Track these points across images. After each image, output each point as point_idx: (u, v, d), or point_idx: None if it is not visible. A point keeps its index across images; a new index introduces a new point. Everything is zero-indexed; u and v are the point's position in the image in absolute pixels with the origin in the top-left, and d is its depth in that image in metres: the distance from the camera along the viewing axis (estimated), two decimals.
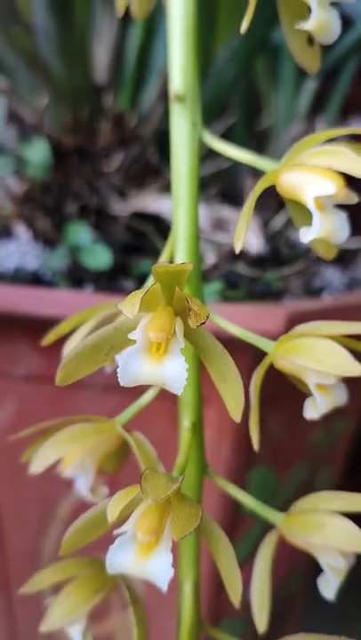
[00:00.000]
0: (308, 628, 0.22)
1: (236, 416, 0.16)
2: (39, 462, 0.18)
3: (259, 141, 0.49)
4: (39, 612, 0.40)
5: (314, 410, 0.18)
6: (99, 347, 0.16)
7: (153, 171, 0.42)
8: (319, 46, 0.20)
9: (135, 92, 0.41)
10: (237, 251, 0.17)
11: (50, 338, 0.22)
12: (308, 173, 0.16)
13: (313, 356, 0.17)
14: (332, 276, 0.44)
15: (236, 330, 0.19)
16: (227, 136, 0.47)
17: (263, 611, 0.19)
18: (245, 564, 0.39)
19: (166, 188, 0.41)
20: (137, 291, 0.15)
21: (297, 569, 0.46)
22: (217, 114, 0.44)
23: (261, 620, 0.18)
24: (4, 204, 0.43)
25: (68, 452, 0.19)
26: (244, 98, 0.46)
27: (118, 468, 0.21)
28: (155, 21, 0.42)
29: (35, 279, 0.37)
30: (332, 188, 0.16)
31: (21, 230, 0.41)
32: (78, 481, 0.20)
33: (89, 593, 0.19)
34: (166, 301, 0.15)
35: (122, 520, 0.16)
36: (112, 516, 0.14)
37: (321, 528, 0.18)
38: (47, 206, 0.42)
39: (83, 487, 0.20)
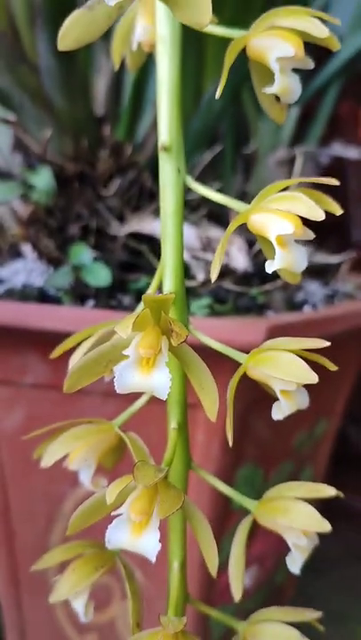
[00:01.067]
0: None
1: (212, 416, 0.19)
2: (49, 457, 0.22)
3: (247, 164, 0.52)
4: (45, 604, 0.43)
5: (279, 412, 0.21)
6: (98, 360, 0.19)
7: (148, 194, 0.45)
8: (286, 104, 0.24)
9: (131, 122, 0.44)
10: (213, 280, 0.20)
11: (57, 352, 0.25)
12: (272, 215, 0.20)
13: (277, 367, 0.20)
14: (314, 289, 0.47)
15: (215, 344, 0.22)
16: (218, 160, 0.51)
17: (238, 582, 0.22)
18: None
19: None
20: (130, 315, 0.19)
21: (283, 562, 0.49)
22: (208, 141, 0.47)
23: (237, 590, 0.22)
24: (11, 225, 0.47)
25: (74, 449, 0.22)
26: (232, 125, 0.50)
27: (116, 464, 0.24)
28: (149, 58, 0.46)
29: (41, 295, 0.40)
30: (290, 227, 0.19)
31: (28, 250, 0.44)
32: (82, 474, 0.23)
33: (91, 569, 0.22)
34: (154, 323, 0.19)
35: (118, 506, 0.20)
36: (110, 498, 0.18)
37: (287, 512, 0.21)
38: (51, 228, 0.45)
39: (85, 479, 0.23)
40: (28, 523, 0.44)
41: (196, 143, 0.44)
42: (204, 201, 0.47)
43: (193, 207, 0.46)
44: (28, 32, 0.38)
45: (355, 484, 0.84)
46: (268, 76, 0.21)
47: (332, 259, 0.49)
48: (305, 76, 0.50)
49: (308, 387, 0.39)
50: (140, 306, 0.19)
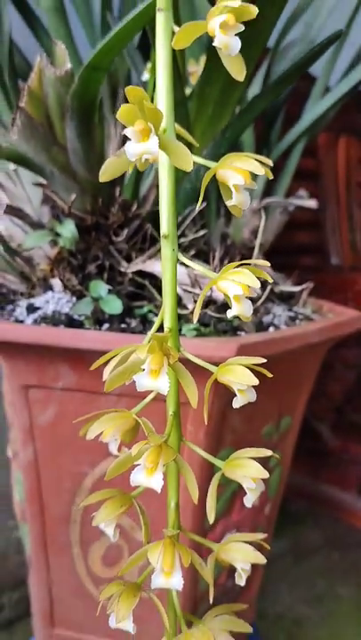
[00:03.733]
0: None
1: (194, 404, 0.31)
2: (91, 433, 0.33)
3: (227, 212, 0.64)
4: (68, 563, 0.55)
5: (237, 403, 0.33)
6: (125, 372, 0.31)
7: (149, 240, 0.57)
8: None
9: (135, 185, 0.56)
10: (195, 320, 0.32)
11: (94, 365, 0.37)
12: (229, 283, 0.32)
13: (234, 375, 0.32)
14: (280, 312, 0.59)
15: (197, 360, 0.34)
16: (205, 209, 0.63)
17: (212, 509, 0.34)
18: (221, 518, 0.54)
19: (159, 254, 0.56)
20: (144, 344, 0.31)
21: (256, 530, 0.61)
22: (197, 196, 0.59)
23: (211, 515, 0.34)
24: (43, 263, 0.59)
25: (106, 428, 0.34)
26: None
27: (132, 440, 0.36)
28: None
29: (68, 320, 0.52)
30: (240, 290, 0.31)
31: (56, 283, 0.56)
32: (110, 445, 0.35)
33: (118, 506, 0.34)
34: (159, 349, 0.30)
35: (137, 459, 0.32)
36: (134, 452, 0.30)
37: (243, 467, 0.33)
38: (73, 266, 0.56)
39: (113, 449, 0.35)
40: (56, 497, 0.55)
41: (188, 199, 0.56)
42: (193, 242, 0.59)
43: (184, 248, 0.59)
44: (59, 122, 0.50)
45: (327, 475, 0.97)
46: (229, 192, 0.33)
47: (294, 288, 0.61)
48: (275, 139, 0.63)
49: (275, 390, 0.52)
50: (151, 339, 0.31)
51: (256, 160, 0.32)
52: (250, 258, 0.61)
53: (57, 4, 0.57)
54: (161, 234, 0.34)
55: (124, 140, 0.59)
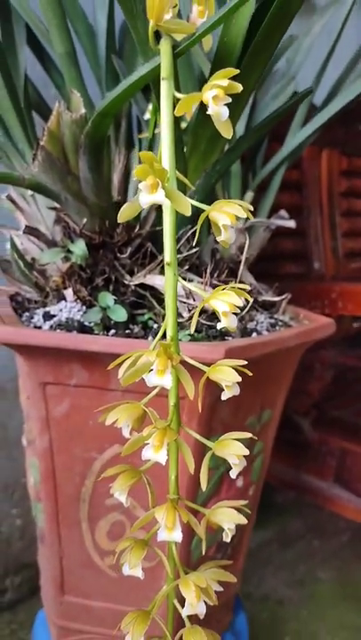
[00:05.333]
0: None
1: (191, 396, 0.40)
2: (109, 419, 0.42)
3: None
4: (77, 537, 0.64)
5: (224, 396, 0.42)
6: (137, 371, 0.40)
7: (149, 257, 0.66)
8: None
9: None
10: (192, 331, 0.41)
11: (110, 366, 0.45)
12: (218, 302, 0.40)
13: (222, 373, 0.40)
14: (262, 320, 0.68)
15: (192, 361, 0.43)
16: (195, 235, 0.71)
17: (204, 479, 0.42)
18: (209, 500, 0.63)
19: (158, 268, 0.65)
20: (152, 349, 0.39)
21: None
22: (189, 220, 0.67)
23: (204, 483, 0.42)
24: (55, 275, 0.67)
25: (120, 416, 0.42)
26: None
27: (140, 426, 0.44)
28: (152, 150, 0.66)
29: (80, 326, 0.60)
30: (226, 308, 0.40)
31: (69, 294, 0.64)
32: (123, 429, 0.43)
33: (129, 478, 0.42)
34: (164, 353, 0.39)
35: (147, 440, 0.40)
36: (145, 433, 0.38)
37: (228, 446, 0.42)
38: (83, 279, 0.65)
39: (126, 432, 0.43)
40: (68, 479, 0.63)
41: (182, 222, 0.65)
42: (186, 259, 0.67)
43: (179, 262, 0.67)
44: (73, 157, 0.58)
45: (307, 465, 1.06)
46: (219, 230, 0.42)
47: (275, 297, 0.70)
48: (260, 164, 0.72)
49: (257, 387, 0.61)
50: (158, 345, 0.39)
51: (239, 206, 0.40)
52: (237, 271, 0.70)
53: (69, 50, 0.65)
54: (165, 262, 0.42)
55: (127, 167, 0.68)
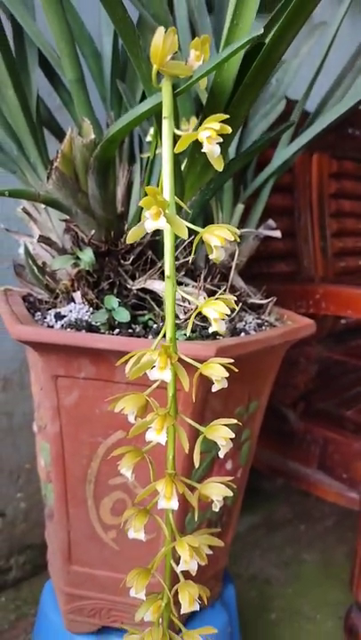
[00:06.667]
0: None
1: (186, 388, 0.48)
2: (117, 407, 0.49)
3: None
4: (83, 514, 0.72)
5: (214, 388, 0.49)
6: (141, 367, 0.47)
7: (150, 263, 0.73)
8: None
9: (139, 221, 0.72)
10: (187, 333, 0.48)
11: (119, 362, 0.52)
12: (210, 309, 0.48)
13: (212, 370, 0.48)
14: (250, 320, 0.76)
15: (187, 359, 0.50)
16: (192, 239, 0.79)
17: (197, 460, 0.50)
18: (202, 480, 0.70)
19: (157, 274, 0.73)
20: (155, 349, 0.47)
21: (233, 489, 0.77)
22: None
23: (196, 461, 0.50)
24: (65, 279, 0.74)
25: (126, 405, 0.50)
26: (202, 217, 0.78)
27: (143, 413, 0.52)
28: (152, 170, 0.74)
29: (88, 326, 0.68)
30: (217, 316, 0.47)
31: (78, 297, 0.71)
32: (129, 416, 0.51)
33: (134, 457, 0.50)
34: (165, 353, 0.46)
35: (149, 424, 0.48)
36: (148, 418, 0.46)
37: (217, 430, 0.50)
38: (90, 283, 0.72)
39: (131, 418, 0.51)
40: (76, 461, 0.71)
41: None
42: (183, 265, 0.75)
43: (176, 268, 0.74)
44: (83, 176, 0.66)
45: (292, 452, 1.14)
46: (211, 249, 0.49)
47: (263, 301, 0.78)
48: (251, 178, 0.80)
49: (244, 381, 0.69)
50: (159, 345, 0.47)
51: (228, 230, 0.48)
52: (229, 275, 0.77)
53: (78, 76, 0.73)
54: (165, 275, 0.50)
55: (130, 182, 0.75)
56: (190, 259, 0.72)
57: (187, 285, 0.73)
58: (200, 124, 0.52)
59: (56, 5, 0.70)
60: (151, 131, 0.69)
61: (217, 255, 0.48)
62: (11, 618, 1.19)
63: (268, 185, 0.84)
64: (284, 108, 0.87)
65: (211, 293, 0.73)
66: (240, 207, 0.79)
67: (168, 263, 0.49)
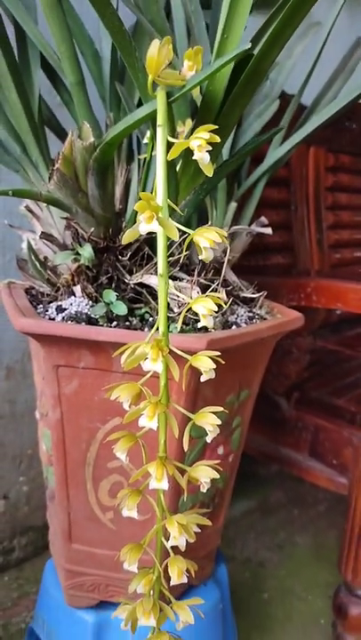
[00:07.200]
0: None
1: (177, 378, 0.52)
2: (113, 395, 0.53)
3: None
4: (82, 496, 0.76)
5: (202, 378, 0.53)
6: (136, 358, 0.51)
7: (146, 259, 0.77)
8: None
9: (135, 218, 0.76)
10: (178, 329, 0.52)
11: (115, 354, 0.56)
12: (199, 306, 0.51)
13: (200, 362, 0.52)
14: (242, 313, 0.80)
15: (178, 351, 0.54)
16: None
17: (186, 444, 0.54)
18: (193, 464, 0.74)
19: (153, 269, 0.76)
20: (148, 342, 0.51)
21: (223, 473, 0.82)
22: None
23: (185, 445, 0.54)
24: (65, 273, 0.78)
25: (121, 393, 0.54)
26: (197, 214, 0.82)
27: (137, 400, 0.56)
28: (148, 170, 0.77)
29: (87, 319, 0.72)
30: (206, 311, 0.51)
31: (77, 290, 0.75)
32: (124, 404, 0.55)
33: (128, 442, 0.54)
34: (156, 346, 0.50)
35: (142, 411, 0.52)
36: (142, 406, 0.50)
37: (206, 417, 0.54)
38: (89, 277, 0.76)
39: (126, 405, 0.55)
40: (75, 445, 0.75)
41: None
42: (178, 260, 0.79)
43: (171, 264, 0.78)
44: (83, 177, 0.69)
45: (284, 439, 1.18)
46: (200, 250, 0.53)
47: (254, 295, 0.81)
48: (245, 176, 0.84)
49: (235, 371, 0.73)
50: (152, 339, 0.51)
51: (217, 233, 0.52)
52: (221, 270, 0.81)
53: (78, 79, 0.76)
54: (158, 273, 0.53)
55: (128, 180, 0.79)
56: (183, 255, 0.76)
57: (181, 280, 0.76)
58: (194, 129, 0.56)
59: (57, 10, 0.73)
60: (148, 133, 0.73)
61: (206, 256, 0.52)
62: (13, 596, 1.24)
63: (262, 182, 0.87)
64: (280, 103, 0.90)
65: (204, 287, 0.76)
66: (233, 205, 0.83)
67: (161, 263, 0.52)
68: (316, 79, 0.95)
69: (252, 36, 0.57)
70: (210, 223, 0.83)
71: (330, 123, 0.82)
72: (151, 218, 0.49)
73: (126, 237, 0.51)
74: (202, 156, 0.51)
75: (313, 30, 0.98)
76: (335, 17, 0.88)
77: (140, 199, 0.49)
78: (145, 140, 0.74)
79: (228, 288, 0.80)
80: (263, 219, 0.87)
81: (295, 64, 0.97)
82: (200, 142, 0.51)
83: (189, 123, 0.77)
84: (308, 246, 1.64)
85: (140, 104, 0.82)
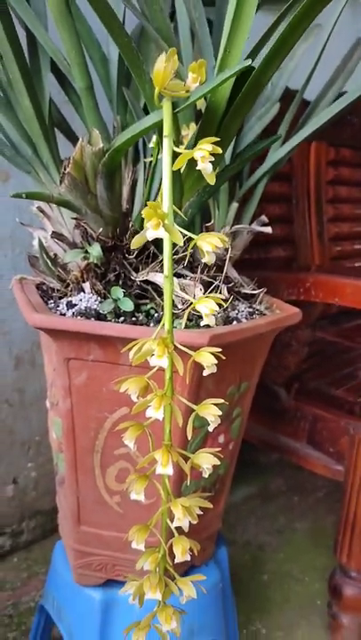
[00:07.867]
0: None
1: (181, 372, 0.56)
2: (122, 388, 0.57)
3: None
4: (91, 481, 0.81)
5: (205, 372, 0.57)
6: (143, 354, 0.55)
7: (152, 257, 0.81)
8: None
9: (142, 218, 0.80)
10: (183, 326, 0.56)
11: (124, 350, 0.61)
12: (202, 306, 0.55)
13: (203, 357, 0.56)
14: (243, 309, 0.84)
15: (182, 347, 0.58)
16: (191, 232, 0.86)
17: (190, 432, 0.58)
18: (195, 452, 0.79)
19: (158, 267, 0.80)
20: (154, 339, 0.55)
21: (224, 460, 0.86)
22: (186, 224, 0.82)
23: (189, 434, 0.58)
24: (75, 270, 0.82)
25: (130, 386, 0.58)
26: (200, 214, 0.86)
27: (144, 393, 0.60)
28: (154, 173, 0.81)
29: (96, 314, 0.76)
30: (207, 311, 0.55)
31: (87, 287, 0.79)
32: (132, 395, 0.59)
33: (136, 431, 0.58)
34: (163, 343, 0.54)
35: (149, 403, 0.56)
36: (149, 399, 0.54)
37: (208, 409, 0.58)
38: (98, 275, 0.80)
39: (134, 397, 0.59)
40: (84, 433, 0.79)
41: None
42: (183, 258, 0.83)
43: (176, 261, 0.82)
44: (92, 180, 0.73)
45: (283, 428, 1.23)
46: (203, 253, 0.57)
47: (254, 291, 0.85)
48: (246, 176, 0.88)
49: (236, 364, 0.77)
50: (158, 337, 0.55)
51: (219, 238, 0.56)
52: (224, 267, 0.85)
53: (87, 84, 0.80)
54: (163, 275, 0.57)
55: (134, 181, 0.82)
56: (188, 253, 0.80)
57: (185, 277, 0.80)
58: (197, 137, 0.59)
59: (67, 18, 0.76)
60: (154, 138, 0.76)
61: (209, 259, 0.56)
62: (23, 576, 1.29)
63: (263, 182, 0.91)
64: (284, 97, 0.93)
65: (207, 284, 0.80)
66: (235, 205, 0.86)
67: (166, 265, 0.56)
68: (320, 73, 0.97)
69: (256, 38, 0.60)
70: (212, 222, 0.86)
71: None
72: (158, 225, 0.53)
73: (135, 243, 0.55)
74: (205, 167, 0.55)
75: (314, 32, 1.01)
76: (336, 17, 0.91)
77: (146, 201, 0.53)
78: (151, 145, 0.77)
79: (230, 285, 0.83)
80: (263, 217, 0.90)
81: (297, 66, 1.00)
82: (203, 154, 0.55)
83: (193, 126, 0.81)
84: (309, 239, 1.68)
85: (145, 107, 0.85)
